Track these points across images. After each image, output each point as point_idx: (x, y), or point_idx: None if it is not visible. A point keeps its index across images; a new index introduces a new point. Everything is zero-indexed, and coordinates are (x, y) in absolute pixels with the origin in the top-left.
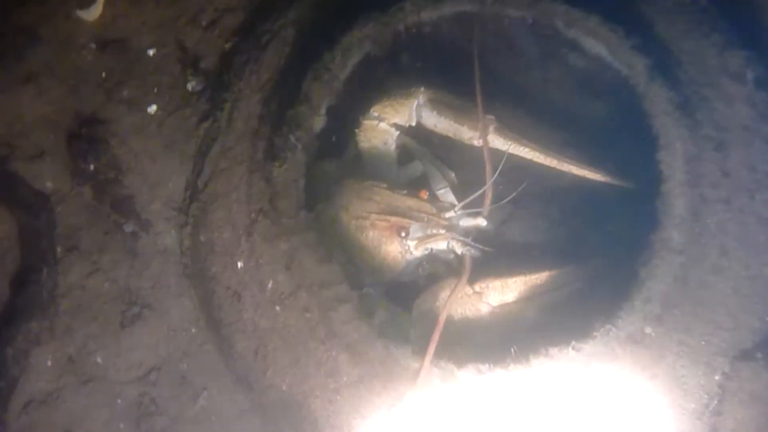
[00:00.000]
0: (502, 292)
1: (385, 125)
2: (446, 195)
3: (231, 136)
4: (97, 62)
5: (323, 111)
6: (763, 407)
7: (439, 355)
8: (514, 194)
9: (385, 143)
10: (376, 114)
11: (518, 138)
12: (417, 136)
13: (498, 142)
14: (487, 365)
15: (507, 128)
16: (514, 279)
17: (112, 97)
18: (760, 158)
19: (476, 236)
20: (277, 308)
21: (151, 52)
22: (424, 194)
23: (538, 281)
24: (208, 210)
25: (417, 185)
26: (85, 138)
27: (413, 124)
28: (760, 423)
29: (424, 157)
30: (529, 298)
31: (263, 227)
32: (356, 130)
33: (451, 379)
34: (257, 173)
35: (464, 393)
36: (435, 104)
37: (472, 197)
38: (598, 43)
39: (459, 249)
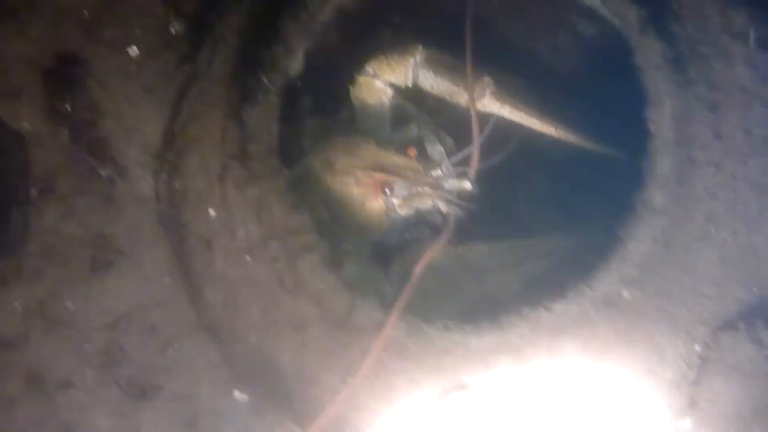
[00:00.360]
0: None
1: (380, 83)
2: (442, 160)
3: (209, 80)
4: (80, 0)
5: (300, 54)
6: (743, 379)
7: (408, 310)
8: (500, 156)
9: (380, 102)
10: (371, 71)
11: (515, 102)
12: (414, 98)
13: (494, 105)
14: (456, 322)
15: (505, 92)
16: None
17: (92, 37)
18: (757, 122)
19: (462, 198)
20: (248, 258)
21: None
22: (412, 152)
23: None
24: (183, 156)
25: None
26: (62, 77)
27: (409, 84)
28: (739, 394)
29: (421, 121)
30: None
31: (235, 174)
32: (350, 86)
33: (417, 335)
34: (232, 118)
35: (431, 351)
36: (432, 64)
37: (458, 156)
38: None
39: (444, 208)
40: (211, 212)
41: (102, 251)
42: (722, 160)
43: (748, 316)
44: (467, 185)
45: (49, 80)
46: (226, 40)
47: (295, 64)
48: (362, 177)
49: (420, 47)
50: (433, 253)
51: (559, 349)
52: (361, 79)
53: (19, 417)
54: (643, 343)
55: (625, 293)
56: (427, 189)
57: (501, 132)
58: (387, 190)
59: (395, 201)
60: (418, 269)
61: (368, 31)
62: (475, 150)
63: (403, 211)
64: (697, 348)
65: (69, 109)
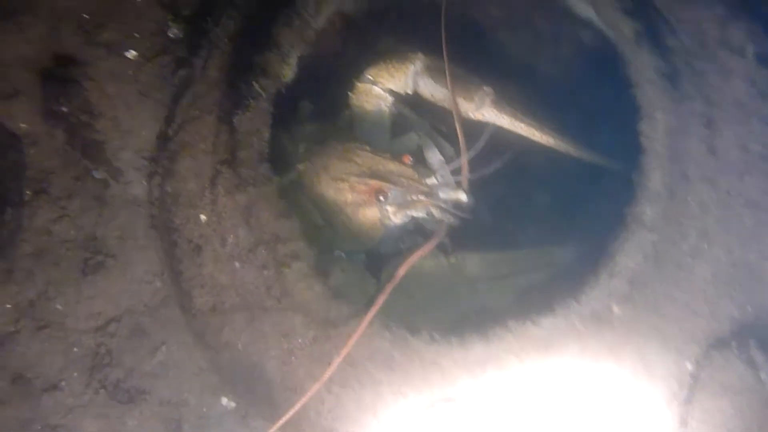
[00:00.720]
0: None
1: (379, 90)
2: (439, 169)
3: (203, 84)
4: (80, 3)
5: (293, 60)
6: (735, 399)
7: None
8: (495, 166)
9: (379, 109)
10: (370, 77)
11: (516, 113)
12: (415, 106)
13: (494, 115)
14: (442, 334)
15: (505, 102)
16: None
17: (91, 39)
18: (754, 138)
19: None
20: (237, 264)
21: None
22: (407, 159)
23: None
24: (176, 159)
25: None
26: (60, 79)
27: (409, 91)
28: (730, 414)
29: (422, 129)
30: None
31: (226, 179)
32: (349, 93)
33: (403, 346)
34: (225, 123)
35: (418, 363)
36: (432, 72)
37: (455, 164)
38: (588, 6)
39: (438, 216)
40: (202, 217)
41: (93, 253)
42: (717, 176)
43: (740, 334)
44: (462, 195)
45: (46, 81)
46: (222, 45)
47: (288, 71)
48: (356, 183)
49: (420, 54)
50: (419, 256)
51: (547, 364)
52: (361, 86)
53: (4, 418)
54: (634, 360)
55: (616, 308)
56: (421, 197)
57: (497, 141)
58: (381, 197)
59: (389, 208)
60: (402, 271)
61: (368, 38)
62: (463, 160)
63: (398, 219)
64: (689, 366)
65: (65, 111)
